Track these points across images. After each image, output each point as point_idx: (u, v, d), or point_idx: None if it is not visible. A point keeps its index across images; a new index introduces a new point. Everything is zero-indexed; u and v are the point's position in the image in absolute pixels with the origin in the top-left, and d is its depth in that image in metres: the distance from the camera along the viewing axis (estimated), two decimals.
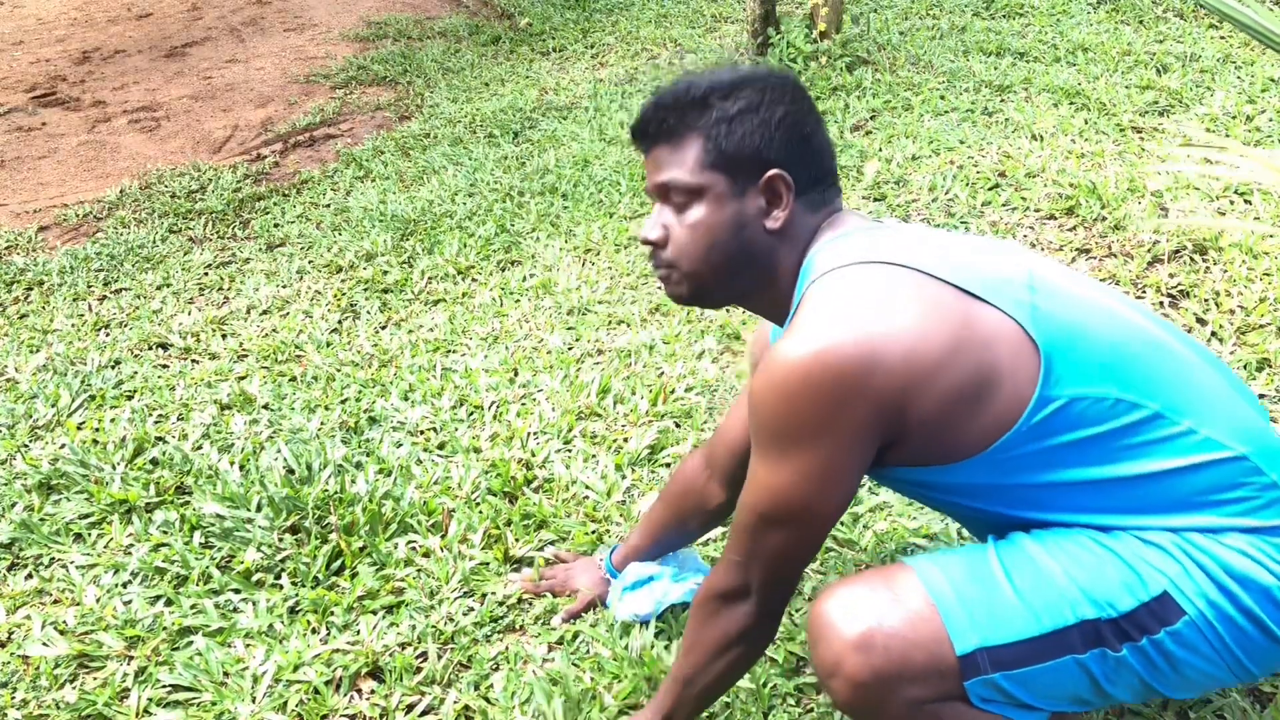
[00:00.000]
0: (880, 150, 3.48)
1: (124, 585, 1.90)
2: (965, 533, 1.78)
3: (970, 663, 1.07)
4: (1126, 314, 1.18)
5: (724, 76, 1.21)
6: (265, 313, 3.03)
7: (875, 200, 3.16)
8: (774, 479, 1.10)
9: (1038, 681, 1.09)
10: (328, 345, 2.77)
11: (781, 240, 1.21)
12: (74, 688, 1.67)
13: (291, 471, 2.15)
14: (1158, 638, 1.07)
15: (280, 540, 1.93)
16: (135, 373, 2.69)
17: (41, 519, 2.09)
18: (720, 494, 1.60)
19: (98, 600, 1.86)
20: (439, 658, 1.67)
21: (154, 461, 2.26)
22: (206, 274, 3.39)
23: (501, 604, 1.78)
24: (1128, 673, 1.09)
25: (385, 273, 3.18)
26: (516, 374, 2.50)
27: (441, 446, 2.24)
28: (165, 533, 2.01)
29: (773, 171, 1.19)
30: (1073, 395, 1.08)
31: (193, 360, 2.79)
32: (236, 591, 1.84)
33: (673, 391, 2.33)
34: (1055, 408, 1.08)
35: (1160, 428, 1.09)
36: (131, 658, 1.73)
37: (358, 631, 1.73)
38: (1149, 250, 2.60)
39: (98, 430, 2.41)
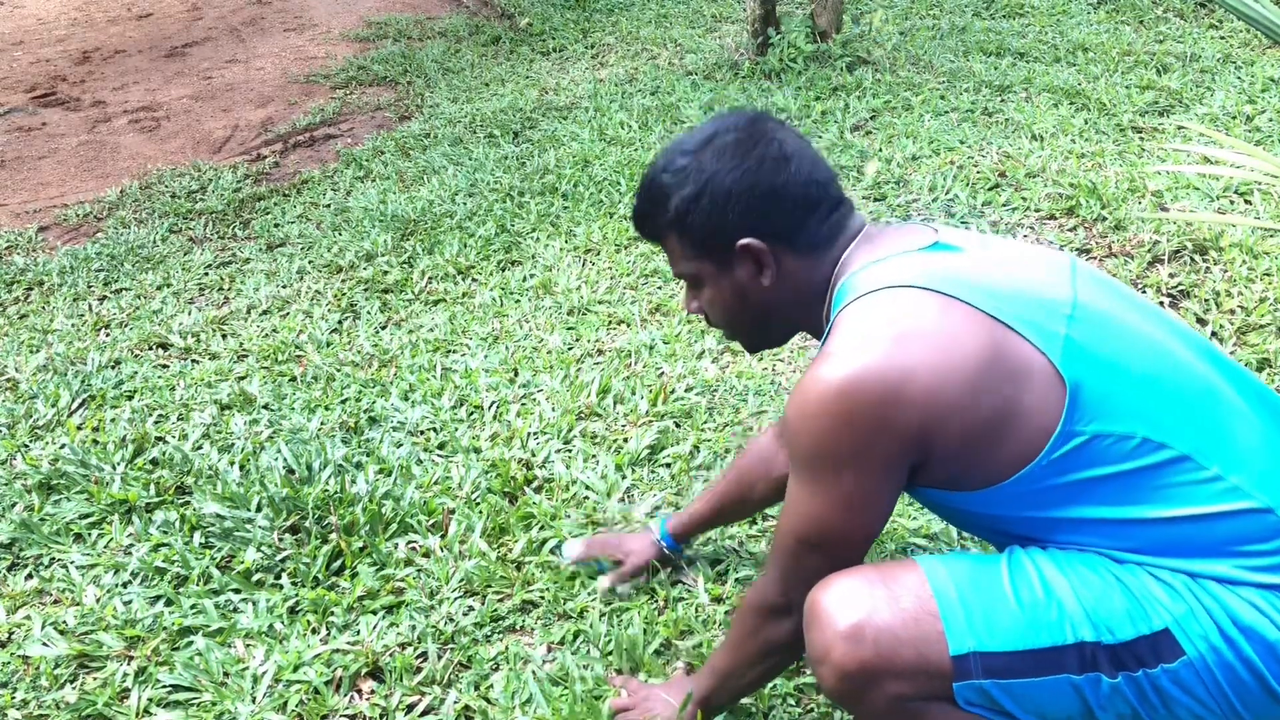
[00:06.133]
0: (880, 150, 3.48)
1: (124, 585, 1.90)
2: (969, 537, 1.78)
3: (962, 665, 1.07)
4: (1172, 347, 1.16)
5: (675, 161, 1.24)
6: (265, 313, 3.03)
7: (875, 200, 3.16)
8: (810, 505, 1.13)
9: (1027, 695, 1.09)
10: (328, 345, 2.77)
11: (785, 288, 1.24)
12: (74, 688, 1.68)
13: (291, 471, 2.15)
14: (1154, 673, 1.07)
15: (280, 540, 1.93)
16: (135, 373, 2.69)
17: (41, 519, 2.09)
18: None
19: (98, 600, 1.86)
20: (439, 658, 1.67)
21: (154, 461, 2.26)
22: (206, 274, 3.38)
23: (502, 603, 1.78)
24: (1120, 701, 1.09)
25: (385, 273, 3.18)
26: (516, 374, 2.50)
27: (441, 446, 2.24)
28: (165, 533, 2.01)
29: (741, 243, 1.21)
30: (1097, 432, 1.07)
31: (193, 360, 2.79)
32: (236, 591, 1.84)
33: (673, 391, 2.33)
34: (1078, 443, 1.07)
35: (1187, 472, 1.07)
36: (131, 658, 1.73)
37: (358, 631, 1.73)
38: (1149, 250, 2.60)
39: (98, 430, 2.41)
